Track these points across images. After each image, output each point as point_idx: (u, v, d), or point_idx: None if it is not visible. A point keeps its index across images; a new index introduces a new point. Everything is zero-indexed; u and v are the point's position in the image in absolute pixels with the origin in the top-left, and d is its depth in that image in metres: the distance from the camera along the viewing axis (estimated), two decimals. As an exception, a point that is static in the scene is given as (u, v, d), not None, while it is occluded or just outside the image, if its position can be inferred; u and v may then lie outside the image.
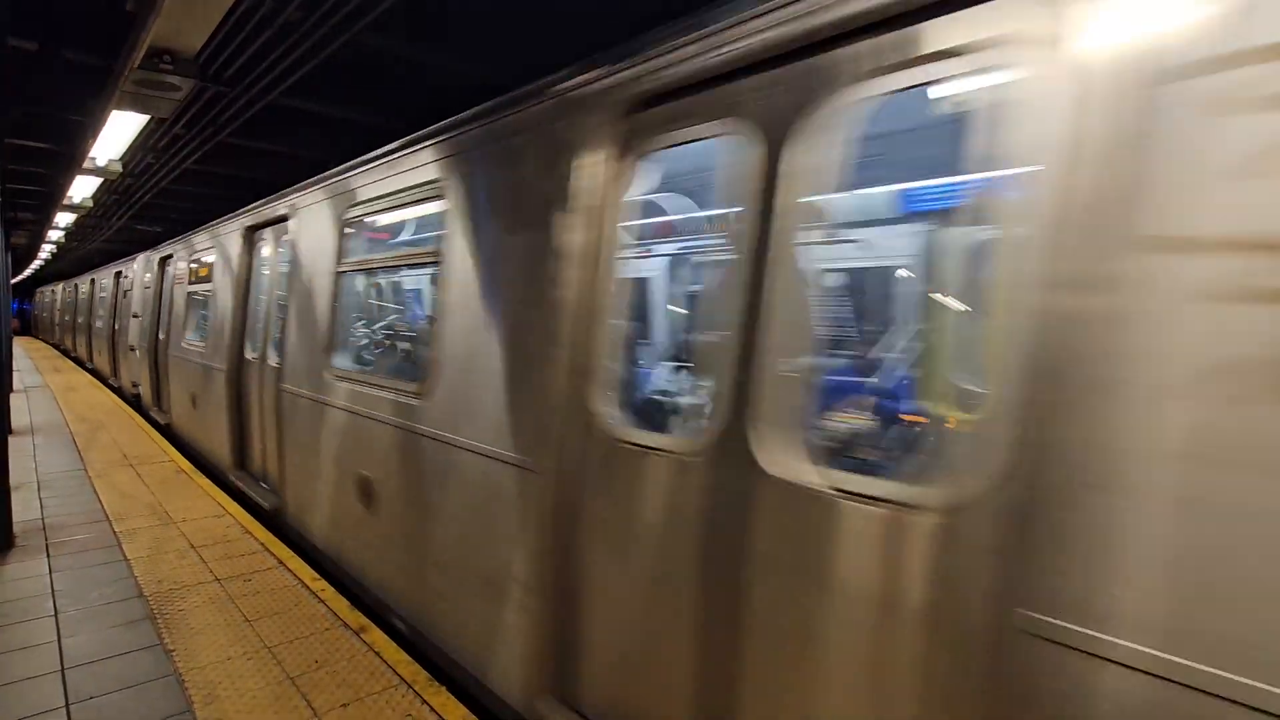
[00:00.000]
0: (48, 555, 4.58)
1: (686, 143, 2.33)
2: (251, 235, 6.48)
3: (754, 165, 2.05)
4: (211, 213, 11.65)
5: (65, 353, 23.25)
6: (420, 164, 3.68)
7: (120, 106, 4.29)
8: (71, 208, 9.08)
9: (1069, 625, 1.34)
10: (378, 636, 3.59)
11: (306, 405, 4.70)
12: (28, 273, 27.78)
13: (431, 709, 2.95)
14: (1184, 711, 1.22)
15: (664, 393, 2.66)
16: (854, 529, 1.73)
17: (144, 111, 4.44)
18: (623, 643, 2.43)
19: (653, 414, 2.65)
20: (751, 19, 2.04)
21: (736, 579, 2.01)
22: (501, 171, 3.07)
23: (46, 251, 17.81)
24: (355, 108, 5.74)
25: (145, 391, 10.28)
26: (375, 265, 4.59)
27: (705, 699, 2.12)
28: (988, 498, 1.48)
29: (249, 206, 6.63)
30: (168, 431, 8.94)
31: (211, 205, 11.23)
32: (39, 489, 6.09)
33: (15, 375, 13.53)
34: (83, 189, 7.94)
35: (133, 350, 11.15)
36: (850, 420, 2.14)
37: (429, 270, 3.75)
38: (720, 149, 2.22)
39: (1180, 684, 1.22)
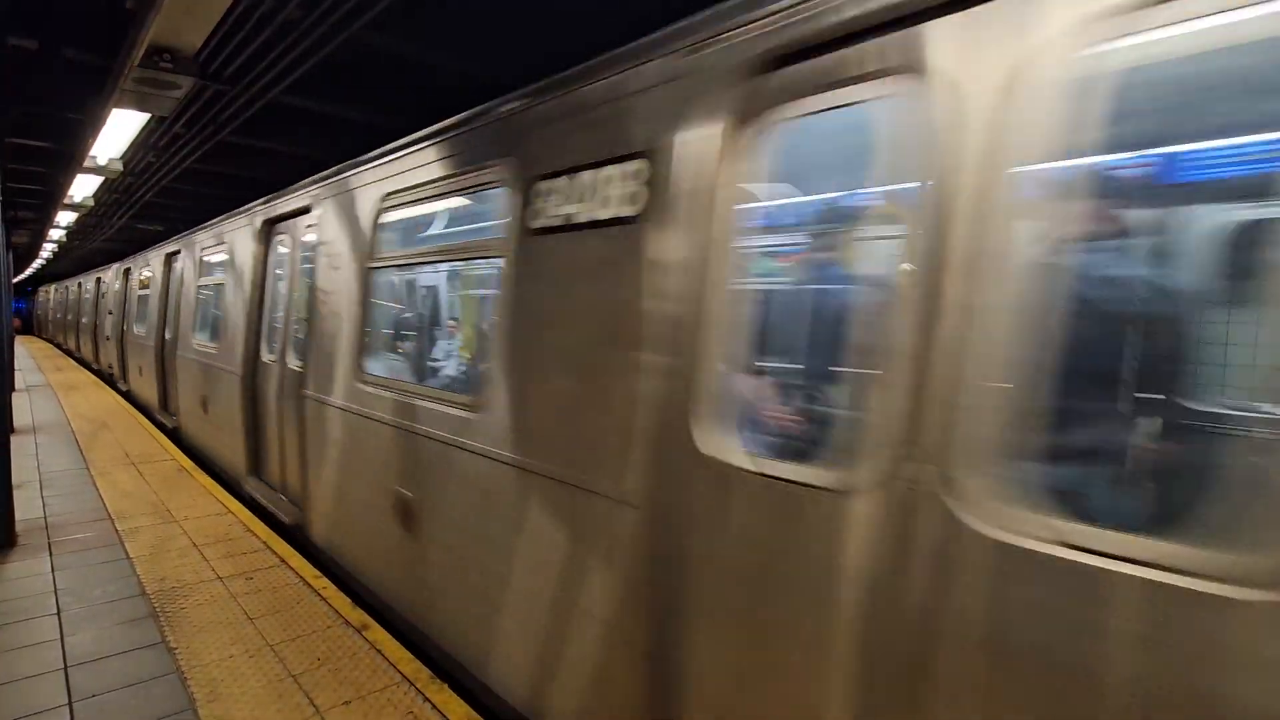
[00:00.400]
0: (50, 554, 4.59)
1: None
2: (169, 259, 9.54)
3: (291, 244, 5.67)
4: (213, 212, 11.67)
5: (58, 345, 23.89)
6: (219, 232, 7.33)
7: (120, 105, 4.29)
8: (72, 207, 9.08)
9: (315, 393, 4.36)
10: (379, 634, 3.60)
11: (187, 363, 8.01)
12: (29, 272, 27.79)
13: (433, 706, 2.96)
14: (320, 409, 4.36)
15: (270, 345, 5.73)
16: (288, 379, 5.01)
17: (144, 110, 4.44)
18: (270, 446, 5.55)
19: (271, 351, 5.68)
20: (285, 196, 5.51)
21: (279, 407, 5.29)
22: (234, 243, 6.63)
23: (48, 251, 17.82)
24: (355, 107, 5.74)
25: (115, 369, 13.35)
26: (208, 284, 7.78)
27: (279, 465, 5.33)
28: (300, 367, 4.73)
29: (166, 241, 9.98)
30: (129, 396, 11.94)
31: (213, 204, 11.22)
32: (41, 487, 6.11)
33: (17, 374, 13.56)
34: (84, 188, 7.95)
35: (108, 339, 14.28)
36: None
37: (221, 285, 7.01)
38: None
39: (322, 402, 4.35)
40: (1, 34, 4.14)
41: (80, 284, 20.29)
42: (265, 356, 5.73)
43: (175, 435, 8.74)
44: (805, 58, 1.78)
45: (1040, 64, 1.38)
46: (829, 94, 1.74)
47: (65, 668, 3.21)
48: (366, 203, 3.98)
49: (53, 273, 28.64)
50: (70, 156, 6.63)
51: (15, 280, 26.16)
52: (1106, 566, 1.29)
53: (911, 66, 1.57)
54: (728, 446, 1.94)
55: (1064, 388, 1.46)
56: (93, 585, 4.11)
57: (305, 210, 5.01)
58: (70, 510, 5.53)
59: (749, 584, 1.87)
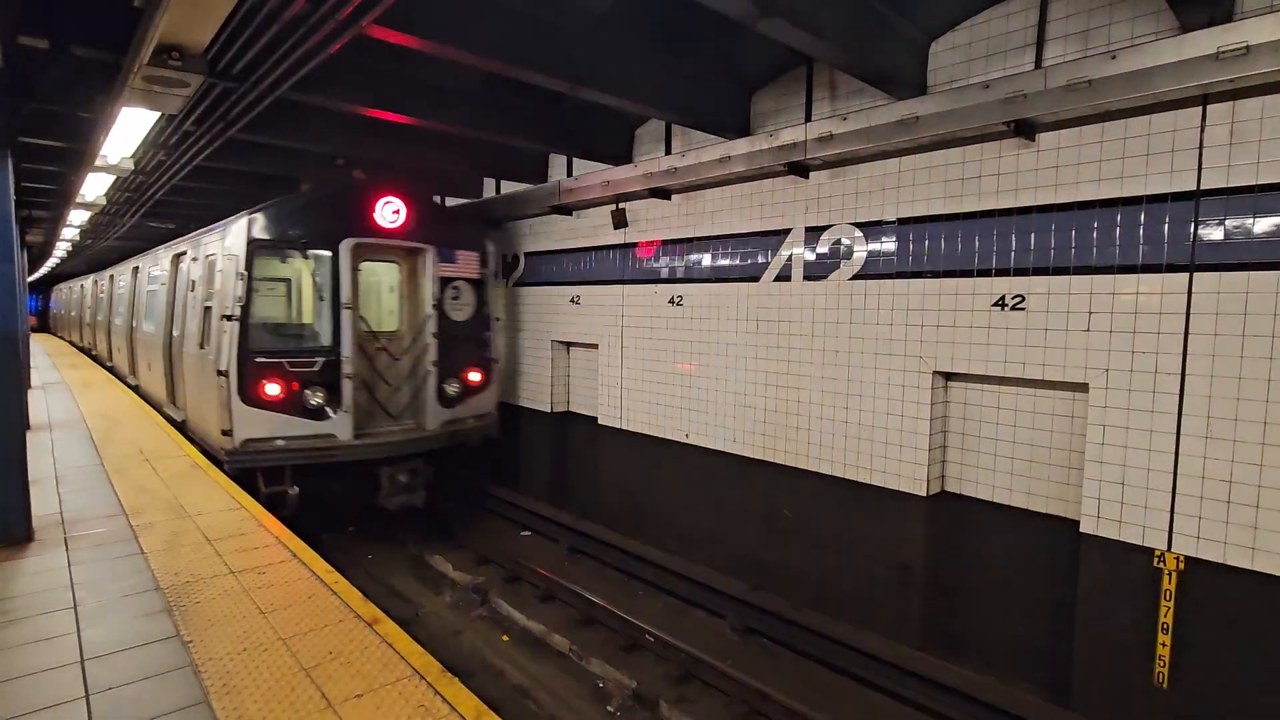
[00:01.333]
0: (66, 548, 4.65)
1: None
2: (97, 282, 17.59)
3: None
4: (225, 209, 11.73)
5: (59, 335, 28.23)
6: (115, 270, 15.94)
7: (130, 103, 4.30)
8: (85, 205, 9.15)
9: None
10: (390, 628, 3.62)
11: (132, 335, 12.78)
12: (44, 270, 28.07)
13: (444, 699, 2.97)
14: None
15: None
16: (153, 343, 10.61)
17: (153, 108, 4.45)
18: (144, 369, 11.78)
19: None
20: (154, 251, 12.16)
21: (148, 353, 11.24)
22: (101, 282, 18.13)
23: (62, 249, 18.05)
24: (363, 102, 5.75)
25: (100, 348, 18.25)
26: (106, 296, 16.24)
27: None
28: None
29: (105, 270, 17.70)
30: (112, 370, 15.67)
31: (224, 201, 11.29)
32: (57, 483, 6.17)
33: (33, 372, 13.71)
34: (95, 186, 8.00)
35: (89, 326, 20.59)
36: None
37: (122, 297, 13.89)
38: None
39: None
40: (13, 33, 4.16)
41: (69, 287, 26.94)
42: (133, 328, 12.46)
43: (126, 381, 13.17)
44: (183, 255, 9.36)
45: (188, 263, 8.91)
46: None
47: (82, 660, 3.24)
48: None
49: (68, 271, 28.95)
50: (82, 155, 6.68)
51: (30, 279, 26.49)
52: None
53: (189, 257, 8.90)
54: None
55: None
56: (108, 579, 4.16)
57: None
58: (86, 506, 5.59)
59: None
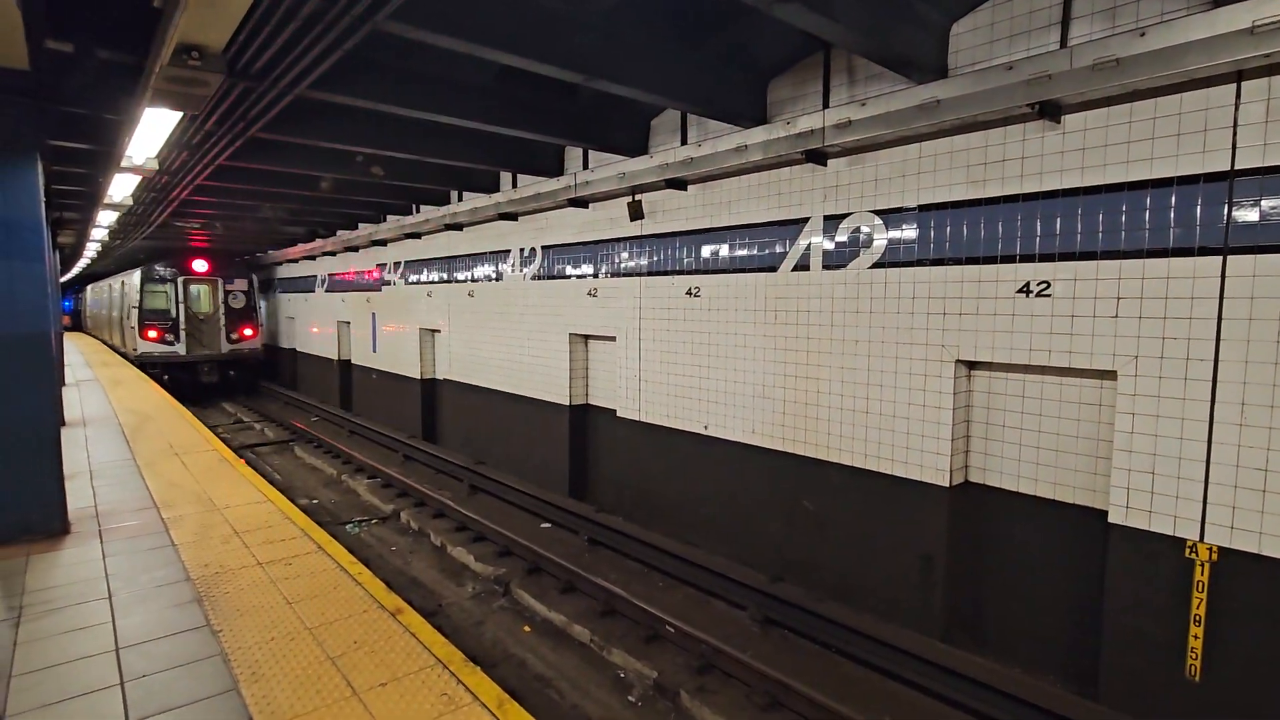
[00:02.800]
0: (101, 540, 4.77)
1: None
2: (97, 289, 29.68)
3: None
4: (246, 207, 11.82)
5: (89, 333, 34.85)
6: (103, 283, 27.53)
7: (152, 103, 4.37)
8: (113, 206, 9.33)
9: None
10: (413, 619, 3.66)
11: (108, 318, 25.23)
12: (75, 271, 28.80)
13: (466, 688, 3.01)
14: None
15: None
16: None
17: (175, 108, 4.52)
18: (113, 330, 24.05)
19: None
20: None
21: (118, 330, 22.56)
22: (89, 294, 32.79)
23: (92, 250, 18.57)
24: (380, 99, 5.77)
25: (102, 334, 26.70)
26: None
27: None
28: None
29: (101, 281, 28.64)
30: (103, 340, 26.42)
31: (247, 199, 11.45)
32: (91, 478, 6.34)
33: (67, 369, 14.08)
34: (123, 187, 8.15)
35: (92, 317, 31.70)
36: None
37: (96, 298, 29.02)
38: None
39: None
40: (40, 38, 4.24)
41: (105, 286, 36.33)
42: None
43: (123, 355, 19.46)
44: None
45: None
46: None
47: (116, 649, 3.33)
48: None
49: (99, 271, 29.83)
50: (108, 157, 6.81)
51: (62, 280, 27.34)
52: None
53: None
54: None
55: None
56: (141, 571, 4.27)
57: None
58: (119, 499, 5.73)
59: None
